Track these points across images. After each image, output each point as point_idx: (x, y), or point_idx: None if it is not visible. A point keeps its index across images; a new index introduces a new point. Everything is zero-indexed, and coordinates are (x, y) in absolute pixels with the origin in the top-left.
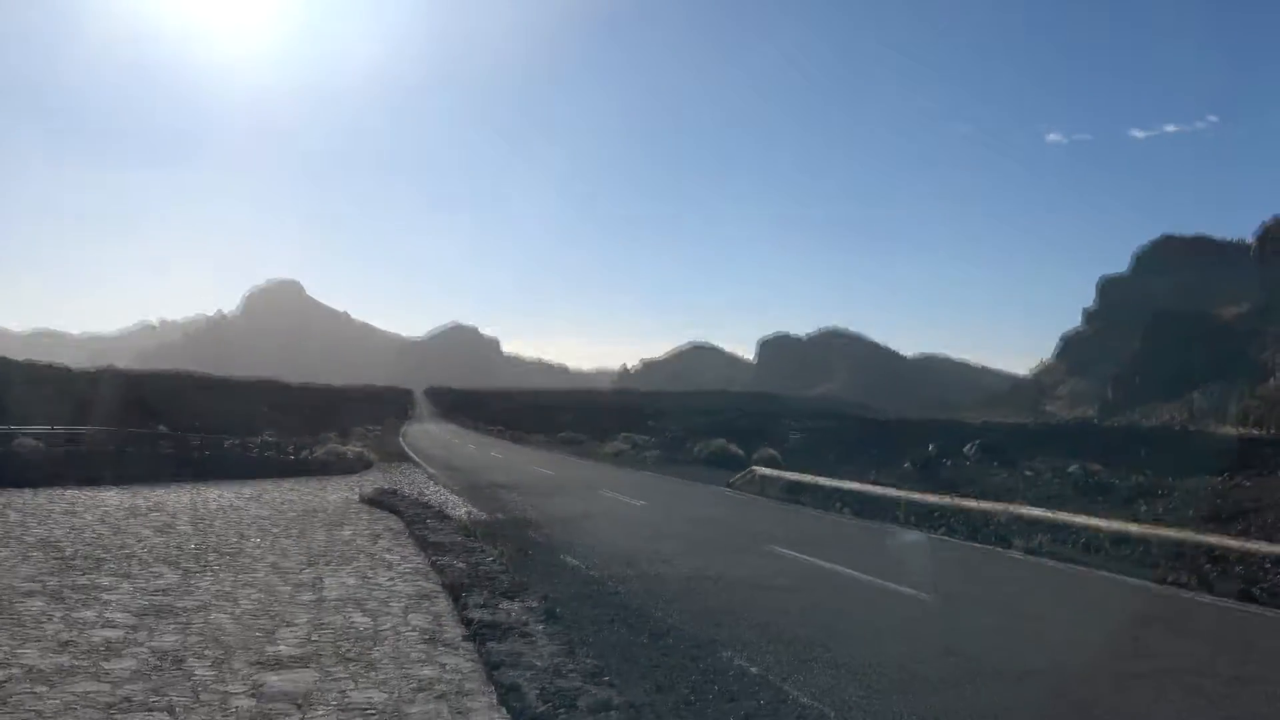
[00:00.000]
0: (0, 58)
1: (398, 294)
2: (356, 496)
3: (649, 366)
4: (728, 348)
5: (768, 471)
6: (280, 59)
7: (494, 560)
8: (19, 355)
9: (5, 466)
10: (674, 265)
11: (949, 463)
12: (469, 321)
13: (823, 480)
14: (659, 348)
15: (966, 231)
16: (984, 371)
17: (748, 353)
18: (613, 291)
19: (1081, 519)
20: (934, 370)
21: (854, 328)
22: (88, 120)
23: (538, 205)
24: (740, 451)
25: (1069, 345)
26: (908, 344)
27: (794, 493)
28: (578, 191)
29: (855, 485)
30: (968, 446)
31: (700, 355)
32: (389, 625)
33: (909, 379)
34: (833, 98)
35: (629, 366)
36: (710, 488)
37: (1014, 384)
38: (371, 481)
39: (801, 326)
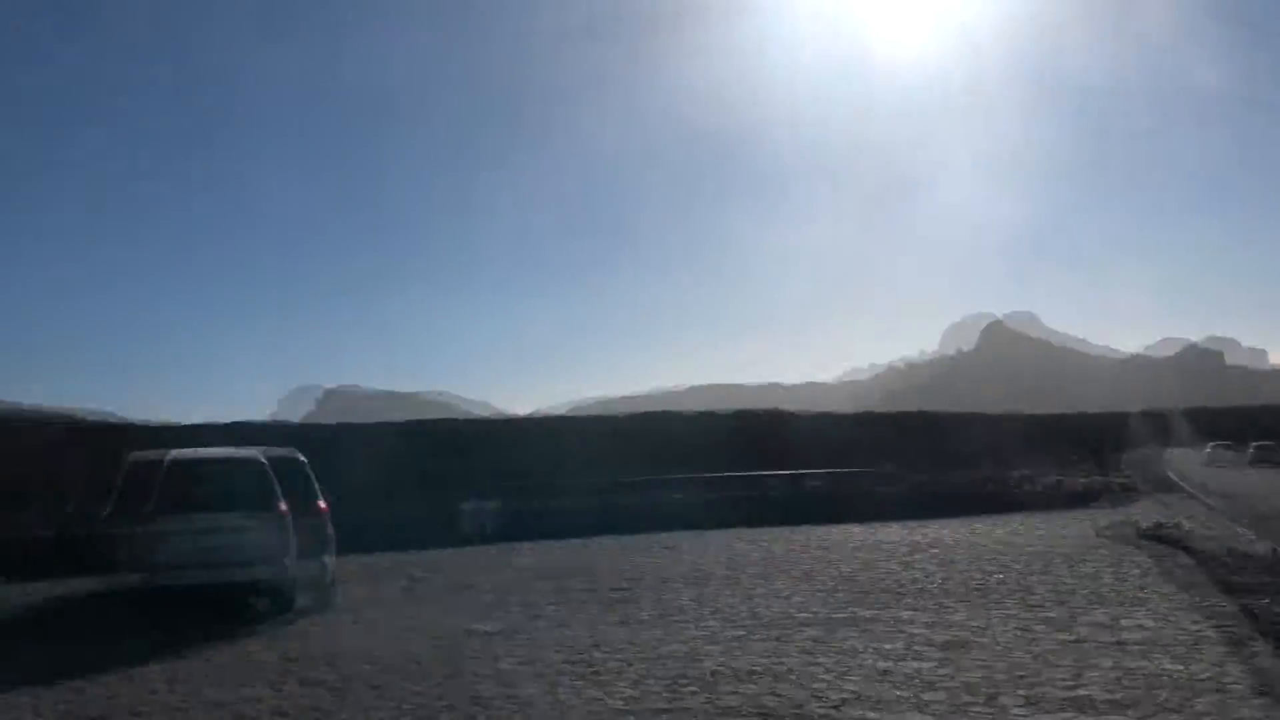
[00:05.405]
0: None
1: (1127, 313)
2: (1131, 530)
3: None
4: None
5: None
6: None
7: None
8: (787, 405)
9: (798, 505)
10: None
11: None
12: (1228, 334)
13: None
14: None
15: None
16: None
17: None
18: None
19: None
20: None
21: None
22: (797, 174)
23: None
24: None
25: None
26: None
27: None
28: None
29: None
30: None
31: None
32: (1207, 674)
33: None
34: None
35: None
36: None
37: None
38: (1142, 512)
39: None
